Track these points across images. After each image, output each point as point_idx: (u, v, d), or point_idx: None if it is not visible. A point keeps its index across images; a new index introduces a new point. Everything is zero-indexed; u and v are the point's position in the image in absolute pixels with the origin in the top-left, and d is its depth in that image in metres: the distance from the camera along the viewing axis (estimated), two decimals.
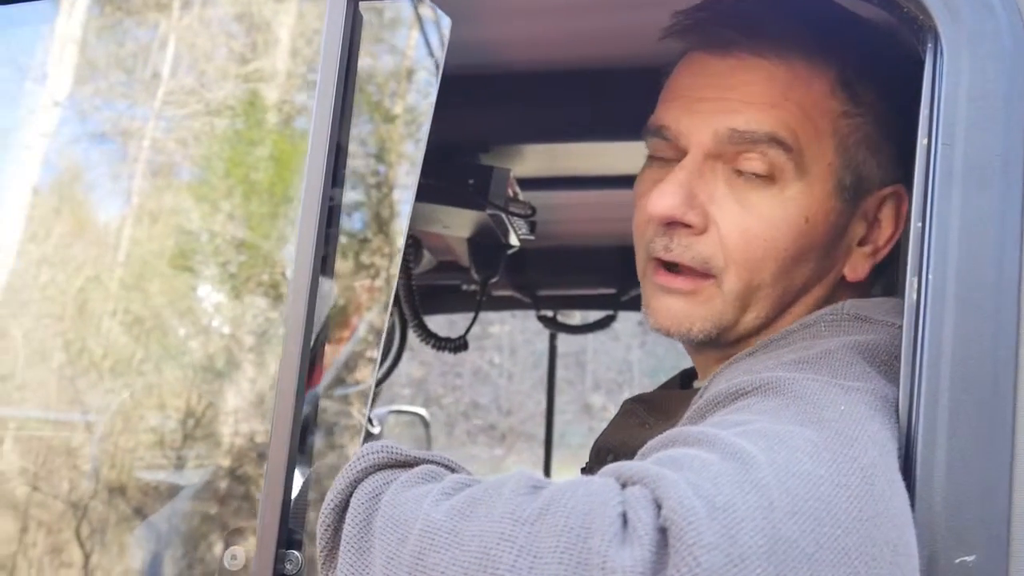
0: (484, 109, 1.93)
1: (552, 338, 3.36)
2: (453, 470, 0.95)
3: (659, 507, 0.74)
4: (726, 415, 0.95)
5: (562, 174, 2.38)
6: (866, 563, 0.76)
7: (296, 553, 0.99)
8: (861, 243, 1.22)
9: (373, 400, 3.30)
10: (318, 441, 1.07)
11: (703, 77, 1.17)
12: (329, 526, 0.93)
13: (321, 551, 0.93)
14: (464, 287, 2.97)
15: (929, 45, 0.99)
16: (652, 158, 1.24)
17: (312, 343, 1.04)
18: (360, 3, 1.11)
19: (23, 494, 1.36)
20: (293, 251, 1.12)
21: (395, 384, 10.31)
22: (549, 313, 3.07)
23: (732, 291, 1.15)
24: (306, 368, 1.02)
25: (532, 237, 2.22)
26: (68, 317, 1.43)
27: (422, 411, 3.36)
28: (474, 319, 2.39)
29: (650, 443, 0.91)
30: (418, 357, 10.28)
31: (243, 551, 1.00)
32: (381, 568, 0.85)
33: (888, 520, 0.80)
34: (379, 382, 3.03)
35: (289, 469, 0.99)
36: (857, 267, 1.22)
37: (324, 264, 1.08)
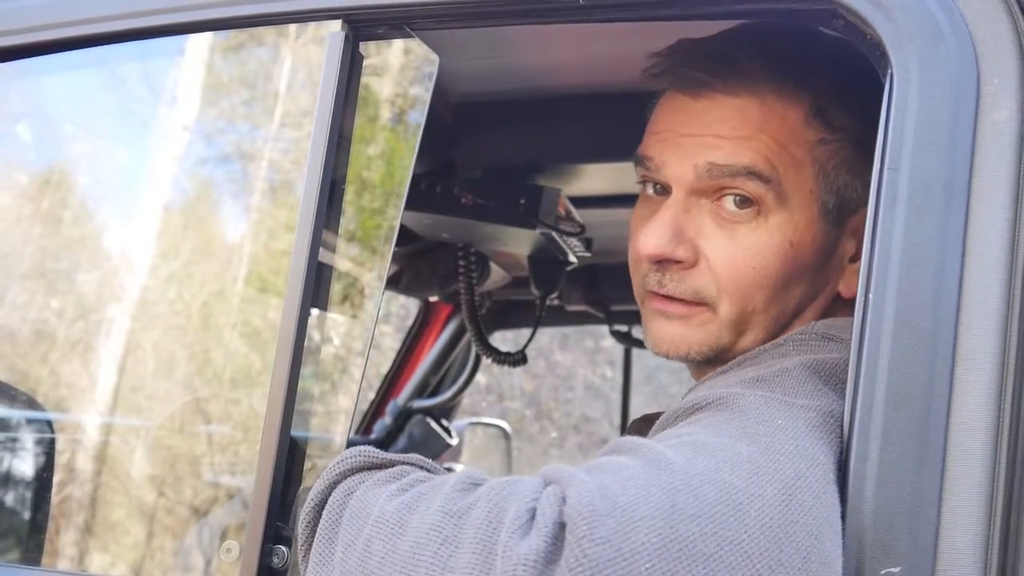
0: (532, 131, 2.01)
1: (627, 352, 3.39)
2: (426, 470, 1.04)
3: (565, 504, 0.80)
4: (678, 428, 1.00)
5: (629, 192, 2.43)
6: (770, 567, 0.80)
7: (283, 548, 1.08)
8: (853, 260, 1.24)
9: (452, 411, 3.34)
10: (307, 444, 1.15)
11: (682, 115, 1.22)
12: (308, 523, 1.02)
13: (301, 546, 1.02)
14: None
15: (888, 71, 1.01)
16: (643, 192, 1.29)
17: (302, 352, 1.12)
18: (360, 42, 1.19)
19: (151, 500, 1.48)
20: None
21: (505, 397, 10.38)
22: (623, 328, 3.11)
23: (727, 317, 1.20)
24: (297, 374, 1.11)
25: (588, 254, 2.28)
26: (192, 330, 1.55)
27: (503, 424, 3.43)
28: (533, 334, 2.46)
29: (599, 452, 0.97)
30: (530, 371, 10.30)
31: (238, 545, 1.09)
32: (340, 553, 0.95)
33: (803, 529, 0.84)
34: (456, 394, 3.13)
35: (277, 468, 1.08)
36: (851, 283, 1.24)
37: (319, 286, 1.16)
